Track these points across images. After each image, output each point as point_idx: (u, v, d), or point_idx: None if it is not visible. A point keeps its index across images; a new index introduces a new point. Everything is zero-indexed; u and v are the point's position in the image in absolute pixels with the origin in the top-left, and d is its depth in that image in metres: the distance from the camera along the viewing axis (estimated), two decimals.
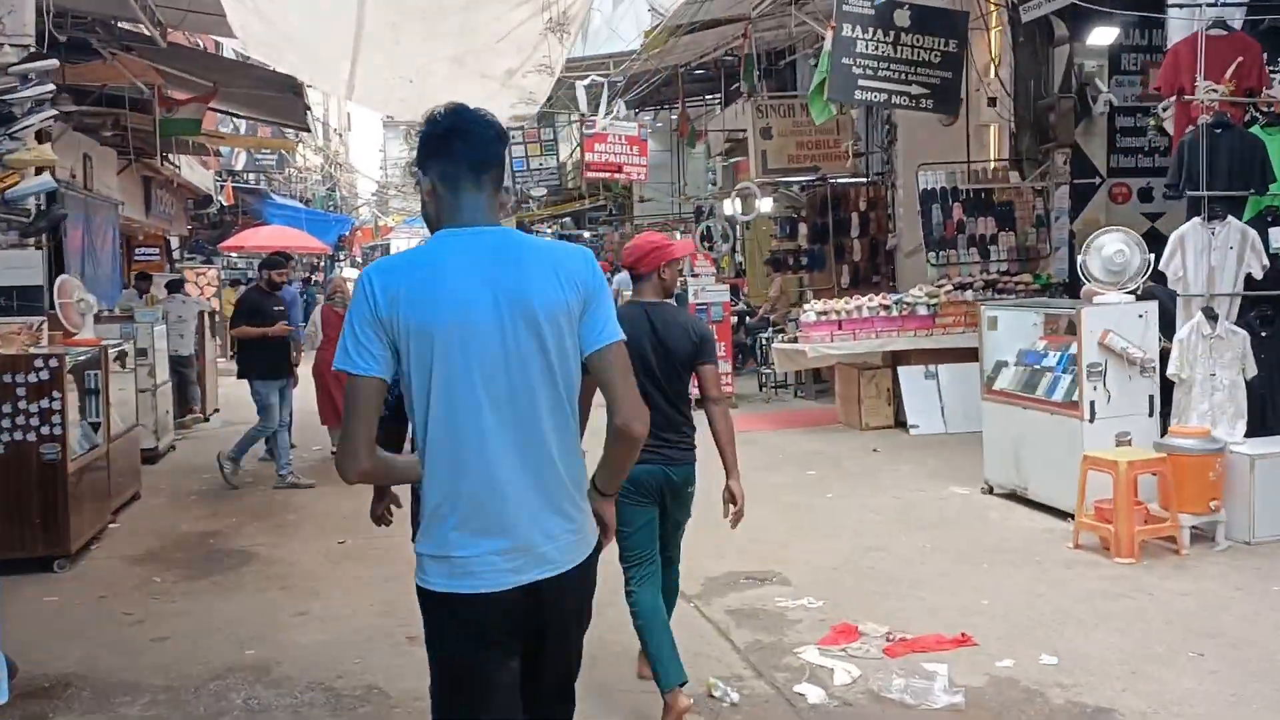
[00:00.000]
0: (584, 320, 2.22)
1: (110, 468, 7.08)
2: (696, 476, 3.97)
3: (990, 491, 7.44)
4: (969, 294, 10.22)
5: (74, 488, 6.17)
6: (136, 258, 19.46)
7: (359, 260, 39.04)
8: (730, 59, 14.62)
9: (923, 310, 10.20)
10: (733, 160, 17.39)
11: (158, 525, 7.33)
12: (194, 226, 21.93)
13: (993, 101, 10.68)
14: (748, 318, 13.34)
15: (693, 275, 12.84)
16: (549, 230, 31.35)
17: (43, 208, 6.90)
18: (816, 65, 14.93)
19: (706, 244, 17.43)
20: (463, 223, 2.22)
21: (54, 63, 6.71)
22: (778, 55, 15.35)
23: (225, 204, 21.66)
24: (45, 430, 5.99)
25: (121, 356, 8.41)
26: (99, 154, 13.96)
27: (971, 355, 8.55)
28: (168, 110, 11.33)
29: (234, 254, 23.25)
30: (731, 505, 3.89)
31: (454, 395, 2.14)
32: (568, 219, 29.88)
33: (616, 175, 12.74)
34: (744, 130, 16.46)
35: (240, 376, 9.02)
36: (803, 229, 13.65)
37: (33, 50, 6.64)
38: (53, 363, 6.02)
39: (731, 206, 17.02)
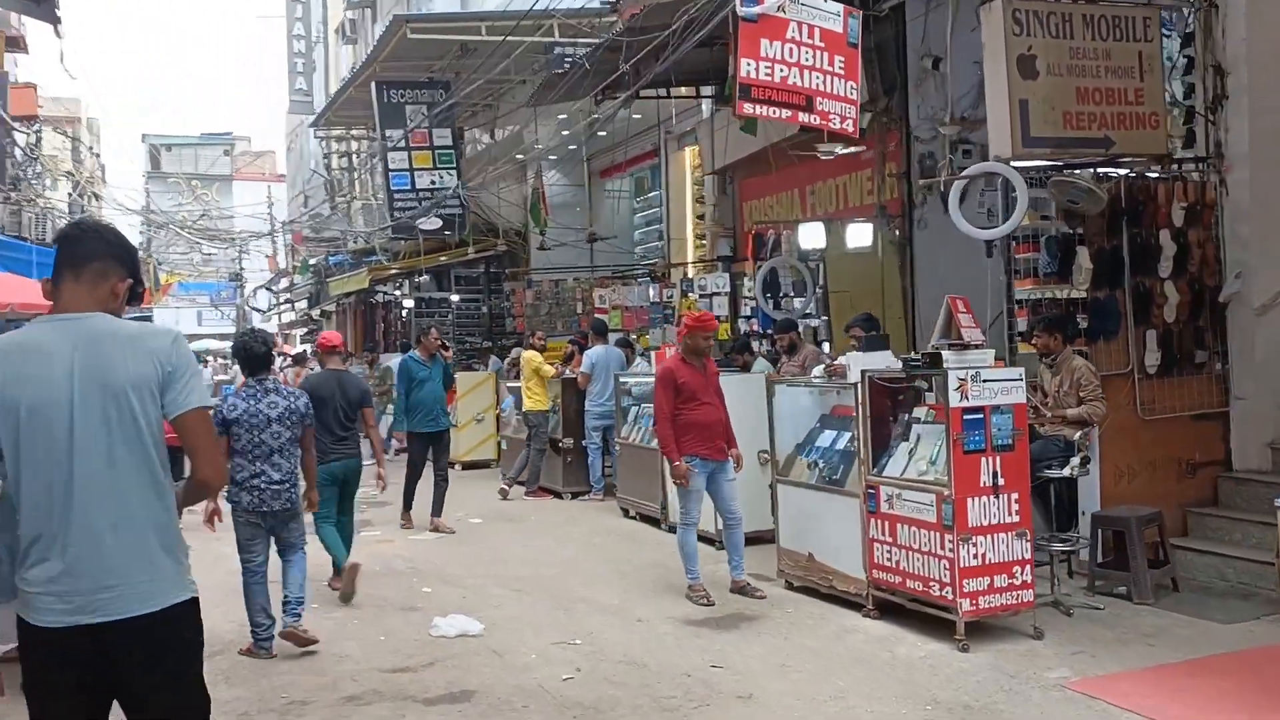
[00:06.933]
0: (167, 391, 2.63)
1: None
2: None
3: None
4: None
5: None
6: None
7: None
8: None
9: None
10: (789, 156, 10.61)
11: None
12: None
13: None
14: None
15: (949, 347, 5.91)
16: (398, 293, 23.42)
17: None
18: None
19: (770, 298, 10.59)
20: (60, 310, 2.65)
21: None
22: None
23: None
24: None
25: None
26: None
27: None
28: None
29: None
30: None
31: (35, 458, 2.55)
32: (426, 277, 21.93)
33: (802, 116, 5.63)
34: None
35: None
36: (1082, 258, 7.06)
37: None
38: None
39: (808, 237, 10.32)
